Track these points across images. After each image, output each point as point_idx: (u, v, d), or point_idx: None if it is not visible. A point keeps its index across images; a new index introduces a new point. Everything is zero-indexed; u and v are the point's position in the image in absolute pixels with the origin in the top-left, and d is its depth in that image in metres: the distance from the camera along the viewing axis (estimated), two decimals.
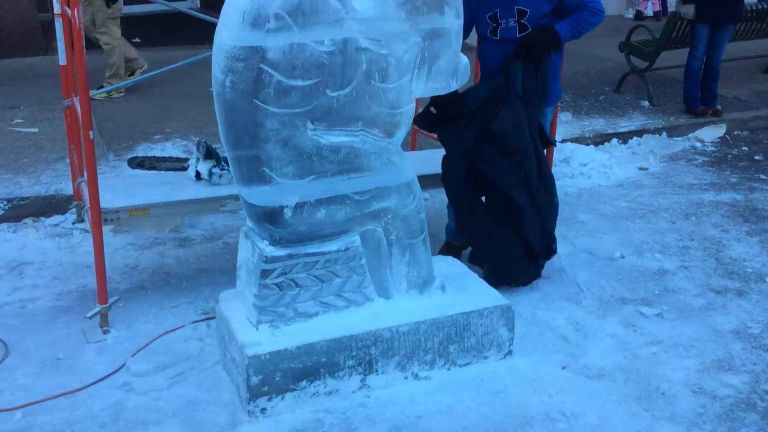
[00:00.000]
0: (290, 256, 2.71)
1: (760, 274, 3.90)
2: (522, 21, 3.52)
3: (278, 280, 2.71)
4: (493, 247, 3.61)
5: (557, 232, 3.84)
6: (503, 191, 3.50)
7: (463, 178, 3.53)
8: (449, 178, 3.58)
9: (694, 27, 6.45)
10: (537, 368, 3.03)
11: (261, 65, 2.40)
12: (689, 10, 6.38)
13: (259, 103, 2.46)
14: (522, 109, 3.48)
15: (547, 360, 3.11)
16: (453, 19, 2.66)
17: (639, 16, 11.54)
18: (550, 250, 3.73)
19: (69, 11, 3.19)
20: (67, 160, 4.64)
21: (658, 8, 11.71)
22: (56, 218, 4.45)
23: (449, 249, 3.95)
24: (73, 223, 4.36)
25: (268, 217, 2.68)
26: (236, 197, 3.30)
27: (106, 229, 3.76)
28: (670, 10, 8.48)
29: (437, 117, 3.61)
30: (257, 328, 2.73)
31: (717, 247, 4.23)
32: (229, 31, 2.41)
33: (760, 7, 7.21)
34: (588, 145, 5.99)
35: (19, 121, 6.04)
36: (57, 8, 3.73)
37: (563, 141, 5.88)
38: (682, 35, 6.80)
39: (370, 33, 2.51)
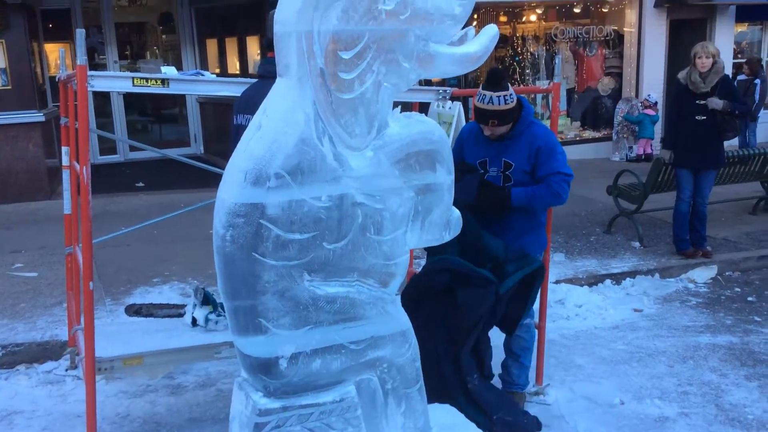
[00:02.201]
0: (284, 408, 2.67)
1: (762, 421, 3.84)
2: (507, 172, 3.67)
3: None
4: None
5: (556, 376, 3.80)
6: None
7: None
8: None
9: (678, 171, 6.68)
10: None
11: (260, 220, 2.48)
12: (665, 155, 6.65)
13: (257, 256, 2.52)
14: (491, 294, 3.43)
15: None
16: (444, 176, 2.78)
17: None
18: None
19: (77, 166, 3.33)
20: (65, 305, 4.66)
21: (641, 152, 12.18)
22: (49, 365, 4.42)
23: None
24: (66, 370, 4.33)
25: (263, 368, 2.67)
26: (231, 344, 3.29)
27: (99, 376, 3.73)
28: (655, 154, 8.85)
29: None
30: None
31: (716, 393, 4.18)
32: (231, 189, 2.52)
33: (741, 153, 7.50)
34: (582, 285, 6.06)
35: (19, 265, 6.12)
36: (65, 160, 3.90)
37: (557, 282, 5.94)
38: (668, 179, 7.04)
39: (366, 189, 2.61)
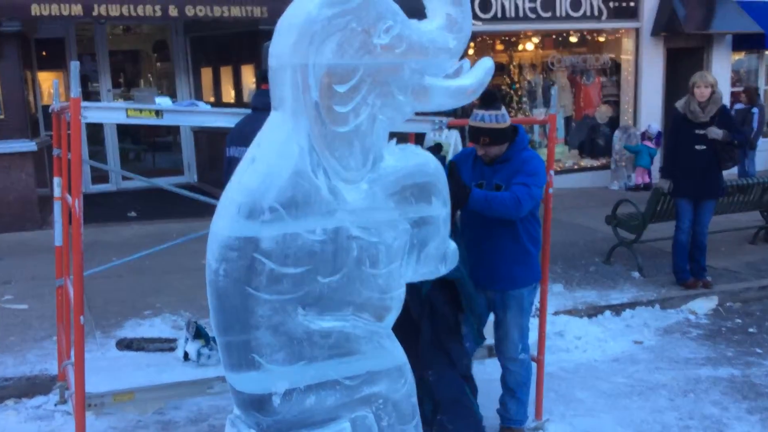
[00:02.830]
0: None
1: None
2: None
3: None
4: None
5: (556, 411, 3.73)
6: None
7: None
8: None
9: (677, 201, 6.65)
10: None
11: (254, 254, 2.43)
12: (664, 185, 6.62)
13: (251, 290, 2.47)
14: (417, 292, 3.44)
15: None
16: (440, 208, 2.74)
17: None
18: None
19: (70, 199, 3.28)
20: (55, 338, 4.58)
21: (639, 181, 12.16)
22: (39, 399, 4.33)
23: None
24: (56, 405, 4.24)
25: (256, 405, 2.60)
26: (224, 379, 3.22)
27: (88, 412, 3.64)
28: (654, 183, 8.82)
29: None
30: None
31: (718, 427, 4.11)
32: (224, 222, 2.47)
33: (740, 182, 7.48)
34: (581, 317, 5.98)
35: (8, 297, 6.03)
36: (57, 192, 3.85)
37: (556, 313, 5.87)
38: (667, 209, 6.99)
39: (361, 222, 2.57)
